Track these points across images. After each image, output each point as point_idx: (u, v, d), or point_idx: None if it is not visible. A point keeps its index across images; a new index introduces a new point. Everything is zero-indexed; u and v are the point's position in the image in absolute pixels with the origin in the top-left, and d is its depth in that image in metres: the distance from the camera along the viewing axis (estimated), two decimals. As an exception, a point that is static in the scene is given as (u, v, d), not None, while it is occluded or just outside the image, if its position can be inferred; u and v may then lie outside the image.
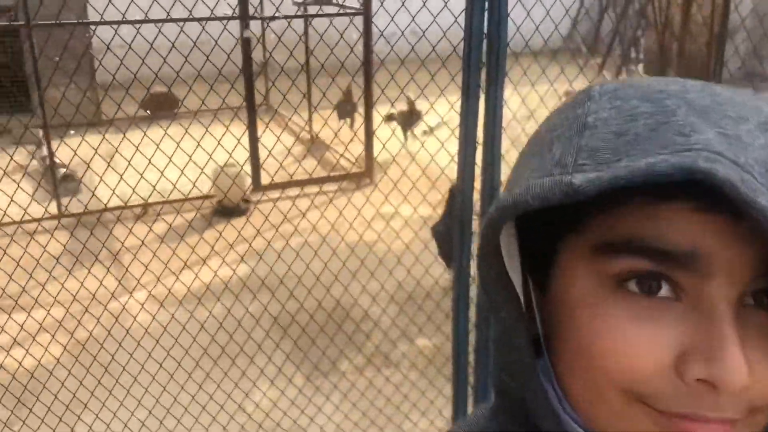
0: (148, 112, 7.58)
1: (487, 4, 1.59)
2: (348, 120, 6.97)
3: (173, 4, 3.67)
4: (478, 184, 1.96)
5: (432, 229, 4.24)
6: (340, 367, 3.69)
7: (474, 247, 2.00)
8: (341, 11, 6.01)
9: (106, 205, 4.96)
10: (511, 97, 2.50)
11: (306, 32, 7.13)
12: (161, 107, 7.89)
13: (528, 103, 2.97)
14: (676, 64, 8.42)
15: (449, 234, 4.20)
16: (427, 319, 3.58)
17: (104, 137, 3.33)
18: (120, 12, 3.42)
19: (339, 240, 4.94)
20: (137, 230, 5.17)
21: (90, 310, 3.49)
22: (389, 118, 6.72)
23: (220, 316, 3.54)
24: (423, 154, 3.73)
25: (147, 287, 4.12)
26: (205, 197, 5.67)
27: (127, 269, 4.44)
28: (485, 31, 1.62)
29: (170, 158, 3.33)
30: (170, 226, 4.07)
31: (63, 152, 5.84)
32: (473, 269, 2.02)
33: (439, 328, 3.55)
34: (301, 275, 3.41)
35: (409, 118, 6.90)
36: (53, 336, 3.36)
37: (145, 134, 3.35)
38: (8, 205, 3.49)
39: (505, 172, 2.02)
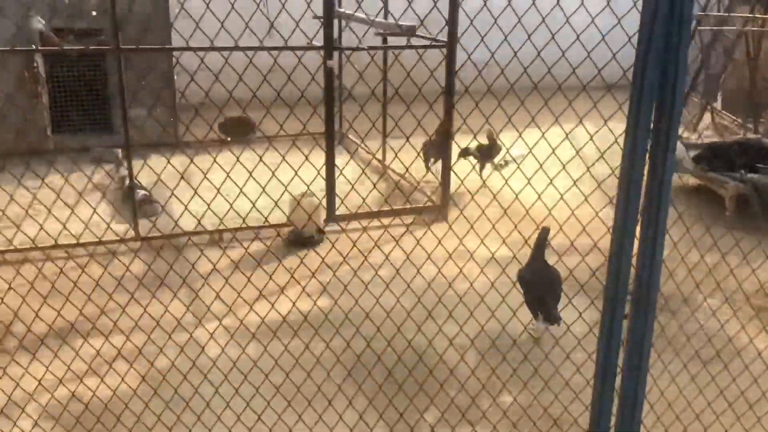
0: (228, 138, 7.62)
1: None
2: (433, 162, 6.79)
3: (266, 33, 3.60)
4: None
5: (518, 273, 4.02)
6: (409, 421, 3.47)
7: (624, 332, 1.78)
8: (425, 43, 5.89)
9: (168, 228, 4.92)
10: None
11: (385, 62, 7.06)
12: (238, 132, 7.92)
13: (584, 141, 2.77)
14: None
15: (538, 282, 3.99)
16: (512, 373, 3.35)
17: (169, 162, 3.25)
18: (204, 33, 3.38)
19: (414, 275, 4.77)
20: (211, 256, 5.14)
21: (163, 338, 3.41)
22: (465, 153, 6.52)
23: (290, 352, 3.40)
24: (502, 189, 3.54)
25: (218, 318, 4.03)
26: (280, 226, 5.60)
27: (197, 296, 4.37)
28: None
29: (233, 184, 3.23)
30: (236, 252, 3.95)
31: (142, 173, 5.90)
32: (621, 358, 1.80)
33: (526, 385, 3.32)
34: (369, 311, 3.23)
35: (489, 152, 6.70)
36: (130, 365, 3.29)
37: (215, 160, 3.26)
38: (95, 228, 3.44)
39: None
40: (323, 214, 5.52)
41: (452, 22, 5.50)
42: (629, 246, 1.66)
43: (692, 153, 6.38)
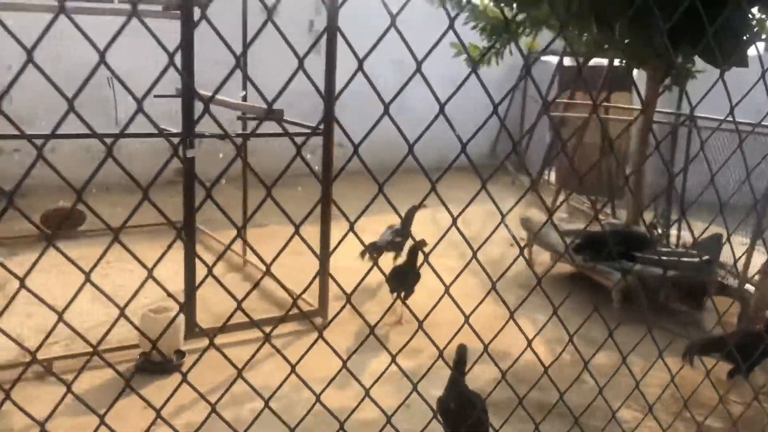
0: (46, 236, 6.45)
1: None
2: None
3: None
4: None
5: (439, 403, 3.41)
6: None
7: None
8: (297, 129, 5.30)
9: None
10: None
11: (244, 147, 6.36)
12: (63, 226, 6.74)
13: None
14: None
15: (464, 414, 3.40)
16: None
17: None
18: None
19: (300, 404, 4.01)
20: (38, 395, 4.02)
21: None
22: (374, 248, 5.95)
23: None
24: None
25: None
26: (128, 348, 4.59)
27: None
28: None
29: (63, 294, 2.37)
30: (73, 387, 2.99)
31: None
32: None
33: None
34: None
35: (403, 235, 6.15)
36: None
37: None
38: None
39: None
40: (182, 331, 4.60)
41: (329, 105, 4.96)
42: None
43: (569, 241, 6.25)
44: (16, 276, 1.30)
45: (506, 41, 6.27)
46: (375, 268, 1.74)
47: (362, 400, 1.90)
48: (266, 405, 1.64)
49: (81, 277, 1.36)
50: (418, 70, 1.41)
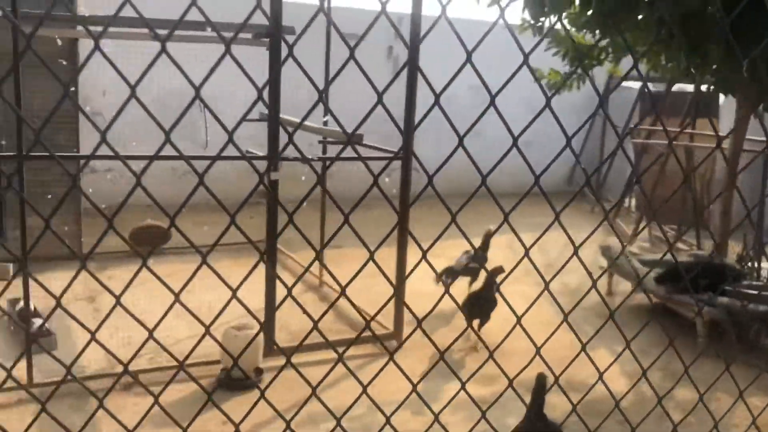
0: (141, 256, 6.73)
1: None
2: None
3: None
4: None
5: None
6: None
7: None
8: (376, 154, 5.38)
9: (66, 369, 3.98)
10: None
11: (324, 170, 6.49)
12: (149, 242, 7.03)
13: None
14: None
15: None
16: None
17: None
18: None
19: (375, 426, 4.02)
20: (125, 405, 4.20)
21: None
22: (449, 272, 5.94)
23: None
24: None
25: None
26: (208, 363, 4.73)
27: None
28: None
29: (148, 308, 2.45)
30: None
31: (36, 295, 4.94)
32: None
33: None
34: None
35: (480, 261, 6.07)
36: None
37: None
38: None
39: None
40: (261, 349, 4.71)
41: (407, 131, 5.03)
42: None
43: (651, 272, 6.06)
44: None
45: (589, 66, 6.19)
46: (450, 293, 1.76)
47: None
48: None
49: (166, 292, 1.43)
50: (492, 104, 1.43)
